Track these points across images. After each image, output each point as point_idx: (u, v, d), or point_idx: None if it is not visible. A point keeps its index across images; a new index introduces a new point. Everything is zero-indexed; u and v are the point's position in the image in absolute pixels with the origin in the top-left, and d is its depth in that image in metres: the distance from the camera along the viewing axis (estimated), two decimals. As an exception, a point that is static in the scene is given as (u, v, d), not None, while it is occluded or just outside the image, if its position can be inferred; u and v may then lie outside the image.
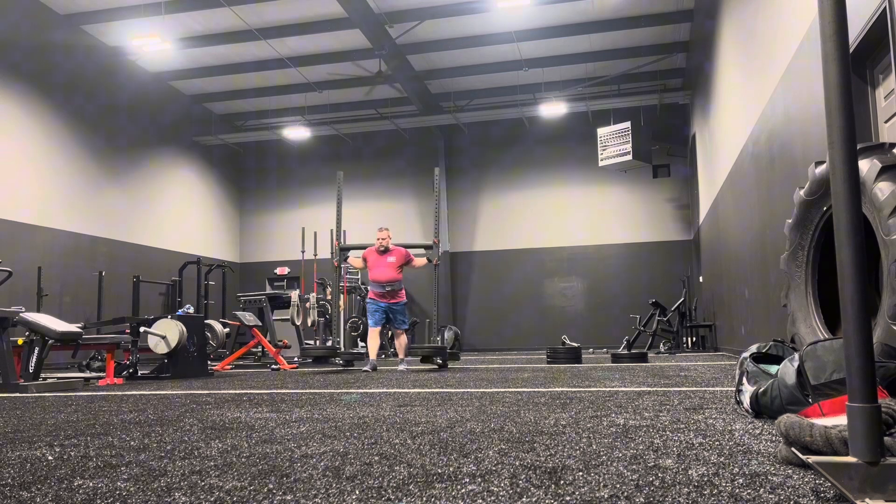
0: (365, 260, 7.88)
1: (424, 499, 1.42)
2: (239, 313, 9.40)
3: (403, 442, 2.19)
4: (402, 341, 7.83)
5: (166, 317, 7.25)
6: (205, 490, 1.55)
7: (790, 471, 1.61)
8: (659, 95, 14.66)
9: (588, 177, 16.18)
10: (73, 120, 12.50)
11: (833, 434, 1.53)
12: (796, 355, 2.40)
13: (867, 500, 1.24)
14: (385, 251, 7.80)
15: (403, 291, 7.95)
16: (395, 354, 8.32)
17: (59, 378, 6.54)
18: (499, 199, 17.02)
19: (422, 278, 17.19)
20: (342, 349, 8.85)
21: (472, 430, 2.44)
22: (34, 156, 11.58)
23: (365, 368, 7.37)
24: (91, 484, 1.64)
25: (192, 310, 8.16)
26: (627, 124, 14.08)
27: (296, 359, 9.89)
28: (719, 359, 8.43)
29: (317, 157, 17.90)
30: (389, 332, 14.73)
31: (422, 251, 8.32)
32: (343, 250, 8.55)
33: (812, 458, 1.33)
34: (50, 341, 5.67)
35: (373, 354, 7.64)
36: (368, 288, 7.95)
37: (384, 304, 7.75)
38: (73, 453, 2.12)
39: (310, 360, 9.02)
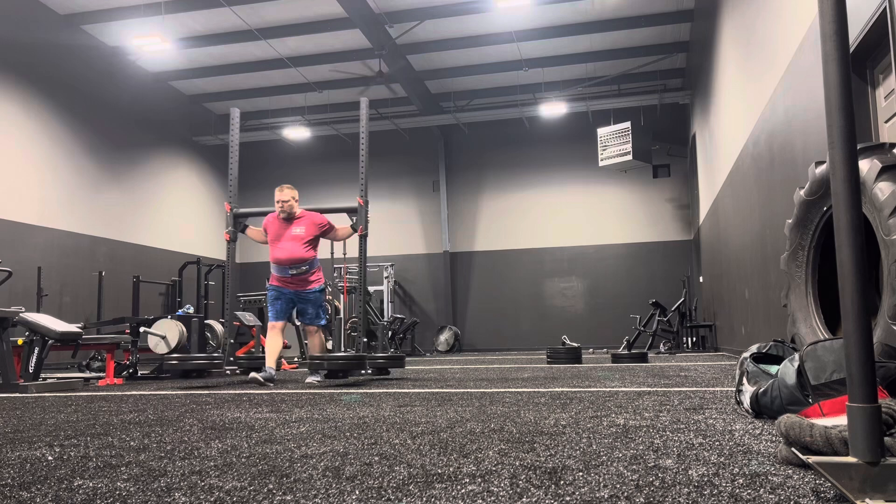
0: (266, 232, 5.90)
1: (424, 499, 1.42)
2: (239, 313, 9.39)
3: (403, 442, 2.19)
4: (315, 342, 5.82)
5: (166, 317, 7.26)
6: (205, 490, 1.55)
7: (790, 471, 1.61)
8: (659, 95, 14.67)
9: (588, 177, 16.18)
10: (73, 120, 12.50)
11: (833, 434, 1.53)
12: (796, 355, 2.40)
13: (867, 500, 1.24)
14: (290, 219, 5.79)
15: (319, 274, 5.89)
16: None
17: (58, 378, 6.54)
18: (499, 199, 17.02)
19: (421, 275, 17.22)
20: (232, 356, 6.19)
21: (472, 430, 2.44)
22: (34, 156, 11.58)
23: (256, 375, 5.28)
24: (91, 484, 1.63)
25: (192, 310, 8.16)
26: (627, 124, 14.08)
27: (295, 359, 9.84)
28: (719, 359, 8.43)
29: (317, 157, 17.89)
30: (397, 332, 14.44)
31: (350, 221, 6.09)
32: (238, 218, 6.33)
33: (812, 459, 1.33)
34: (50, 341, 5.67)
35: (269, 360, 5.56)
36: (271, 271, 5.87)
37: (289, 292, 5.76)
38: (73, 453, 2.12)
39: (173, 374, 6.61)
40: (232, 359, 6.07)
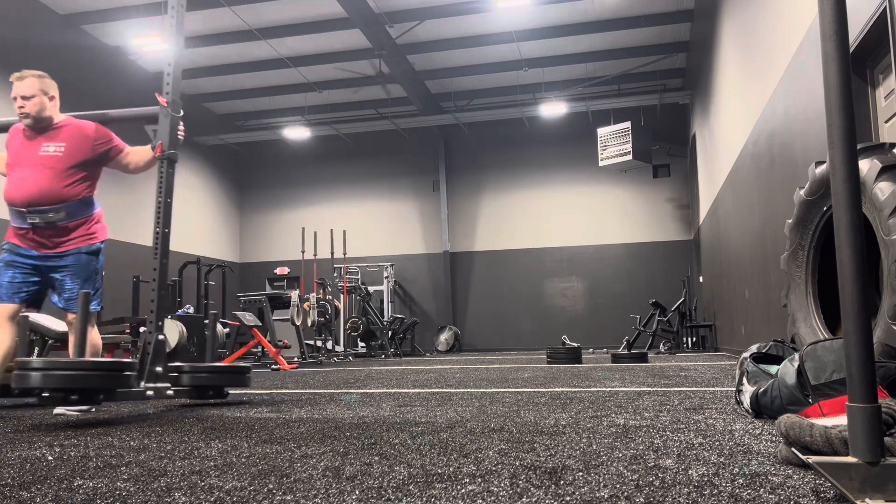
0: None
1: (424, 499, 1.42)
2: (239, 313, 9.40)
3: (403, 442, 2.19)
4: (94, 339, 3.66)
5: (166, 317, 7.25)
6: (205, 490, 1.55)
7: (790, 471, 1.61)
8: (659, 95, 14.67)
9: (588, 177, 16.19)
10: (73, 120, 12.49)
11: (833, 434, 1.53)
12: (796, 355, 2.40)
13: (867, 500, 1.24)
14: (39, 128, 3.53)
15: (94, 227, 3.74)
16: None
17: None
18: (499, 199, 17.03)
19: (422, 275, 17.22)
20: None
21: (472, 430, 2.44)
22: (34, 156, 11.57)
23: None
24: (91, 484, 1.63)
25: (192, 310, 8.16)
26: (627, 124, 14.09)
27: (295, 358, 9.88)
28: (719, 359, 8.43)
29: (317, 157, 17.89)
30: (396, 334, 14.35)
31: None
32: None
33: (812, 459, 1.33)
34: (50, 341, 5.67)
35: None
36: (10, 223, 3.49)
37: (30, 254, 3.46)
38: (73, 453, 2.12)
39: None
40: None
